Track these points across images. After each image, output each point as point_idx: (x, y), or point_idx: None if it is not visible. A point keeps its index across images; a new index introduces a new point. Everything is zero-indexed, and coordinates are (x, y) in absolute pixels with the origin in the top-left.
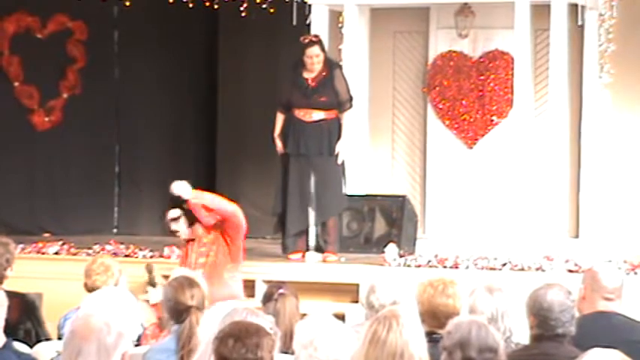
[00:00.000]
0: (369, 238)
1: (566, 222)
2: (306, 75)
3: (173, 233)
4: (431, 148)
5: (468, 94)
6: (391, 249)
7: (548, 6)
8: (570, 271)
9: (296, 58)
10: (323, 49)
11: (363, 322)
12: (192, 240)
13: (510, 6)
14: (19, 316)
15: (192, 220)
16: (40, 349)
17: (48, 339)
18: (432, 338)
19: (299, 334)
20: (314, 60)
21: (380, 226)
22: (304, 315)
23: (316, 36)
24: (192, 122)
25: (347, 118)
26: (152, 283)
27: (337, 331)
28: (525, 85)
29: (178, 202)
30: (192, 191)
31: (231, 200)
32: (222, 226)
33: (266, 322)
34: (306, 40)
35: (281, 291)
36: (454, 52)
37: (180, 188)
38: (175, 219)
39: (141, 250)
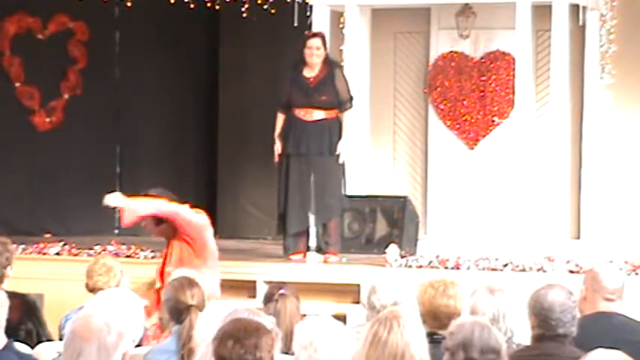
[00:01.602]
0: (370, 238)
1: (568, 223)
2: (306, 74)
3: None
4: (432, 149)
5: (469, 94)
6: (392, 250)
7: (550, 6)
8: (571, 271)
9: (297, 57)
10: (324, 44)
11: (364, 323)
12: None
13: (511, 6)
14: (20, 317)
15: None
16: (41, 350)
17: (49, 340)
18: (433, 339)
19: (299, 334)
20: (314, 52)
21: (381, 227)
22: (305, 316)
23: (320, 31)
24: (193, 123)
25: (347, 117)
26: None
27: (337, 332)
28: (526, 85)
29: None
30: (124, 199)
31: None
32: (173, 226)
33: (267, 322)
34: (310, 33)
35: (282, 291)
36: (455, 52)
37: (113, 200)
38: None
39: (142, 250)
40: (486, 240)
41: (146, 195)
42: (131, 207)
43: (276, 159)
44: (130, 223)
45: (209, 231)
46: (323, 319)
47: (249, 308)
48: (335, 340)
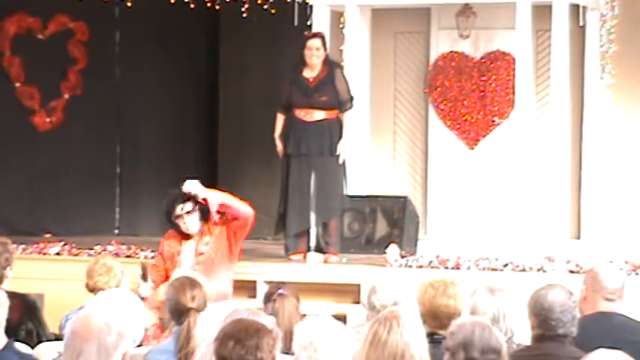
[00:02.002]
0: (370, 238)
1: (568, 223)
2: (306, 74)
3: (177, 226)
4: (432, 149)
5: (469, 94)
6: (392, 250)
7: (550, 6)
8: (572, 271)
9: (297, 58)
10: (324, 45)
11: (365, 323)
12: (187, 238)
13: (512, 6)
14: (20, 317)
15: (204, 215)
16: (42, 350)
17: (49, 339)
18: (434, 339)
19: (298, 335)
20: (314, 52)
21: (381, 227)
22: (305, 316)
23: (319, 32)
24: (193, 123)
25: (347, 118)
26: (144, 277)
27: (337, 332)
28: (527, 85)
29: (189, 197)
30: (204, 189)
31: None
32: (230, 223)
33: (268, 322)
34: (309, 34)
35: (280, 291)
36: (455, 52)
37: (194, 187)
38: (190, 212)
39: (142, 250)
40: (486, 240)
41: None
42: (213, 194)
43: (280, 156)
44: (215, 212)
45: None
46: (323, 320)
47: (250, 308)
48: (335, 340)
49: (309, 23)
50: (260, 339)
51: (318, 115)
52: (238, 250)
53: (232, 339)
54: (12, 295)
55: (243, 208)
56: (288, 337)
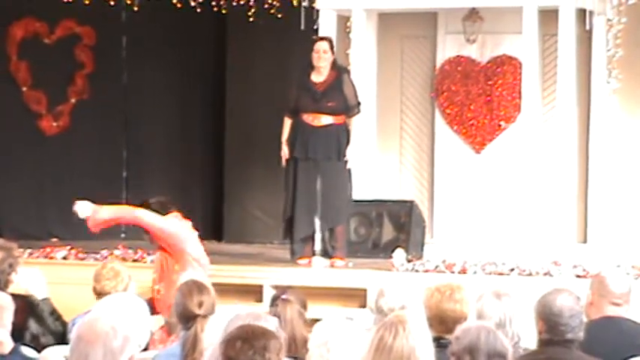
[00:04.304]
0: (376, 243)
1: (574, 227)
2: (314, 79)
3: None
4: (439, 153)
5: (475, 99)
6: (399, 254)
7: (557, 11)
8: (578, 276)
9: (305, 62)
10: (332, 48)
11: (372, 327)
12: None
13: (518, 11)
14: (25, 318)
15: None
16: (48, 354)
17: (56, 343)
18: (440, 343)
19: (315, 333)
20: (321, 54)
21: (388, 231)
22: (312, 320)
23: (327, 36)
24: (199, 127)
25: (355, 122)
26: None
27: (353, 335)
28: (533, 90)
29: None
30: (92, 208)
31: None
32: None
33: (270, 324)
34: (317, 37)
35: (283, 296)
36: (462, 57)
37: (81, 208)
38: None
39: (149, 254)
40: (493, 244)
41: (145, 203)
42: (96, 213)
43: (284, 163)
44: (95, 227)
45: (186, 237)
46: (341, 321)
47: (251, 312)
48: (349, 343)
49: (315, 28)
50: (268, 340)
51: (326, 120)
52: (182, 252)
53: (240, 339)
54: (15, 297)
55: (161, 225)
56: (290, 342)
